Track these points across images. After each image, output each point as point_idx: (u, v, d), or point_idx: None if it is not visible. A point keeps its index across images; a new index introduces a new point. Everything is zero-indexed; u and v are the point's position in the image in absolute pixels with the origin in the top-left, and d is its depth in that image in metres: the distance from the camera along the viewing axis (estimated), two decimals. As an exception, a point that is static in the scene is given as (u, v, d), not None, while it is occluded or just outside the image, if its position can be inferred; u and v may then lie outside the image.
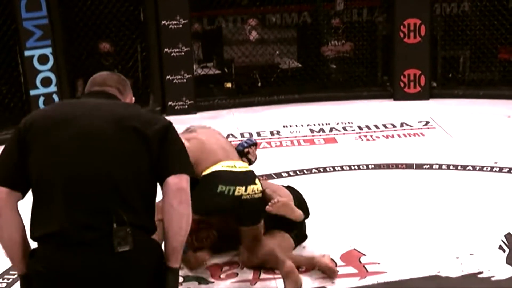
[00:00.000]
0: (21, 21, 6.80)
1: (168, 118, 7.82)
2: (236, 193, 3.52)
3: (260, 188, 3.61)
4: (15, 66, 7.09)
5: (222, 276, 3.82)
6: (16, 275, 3.88)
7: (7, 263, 3.97)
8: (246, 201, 3.55)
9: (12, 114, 7.04)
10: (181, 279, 3.75)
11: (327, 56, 8.75)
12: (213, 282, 3.75)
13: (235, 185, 3.52)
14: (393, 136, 6.64)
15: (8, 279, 3.95)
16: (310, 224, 4.42)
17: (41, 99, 6.98)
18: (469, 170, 5.48)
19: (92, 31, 7.72)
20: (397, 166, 5.65)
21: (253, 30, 8.72)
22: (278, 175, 5.52)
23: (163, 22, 7.64)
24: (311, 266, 3.78)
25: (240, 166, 3.67)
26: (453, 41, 8.32)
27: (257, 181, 3.64)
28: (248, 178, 3.62)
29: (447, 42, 8.34)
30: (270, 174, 5.51)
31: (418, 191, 5.06)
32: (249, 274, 3.81)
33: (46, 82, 7.03)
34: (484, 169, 5.47)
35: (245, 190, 3.54)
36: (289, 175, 5.53)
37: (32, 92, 6.97)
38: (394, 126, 6.98)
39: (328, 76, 8.72)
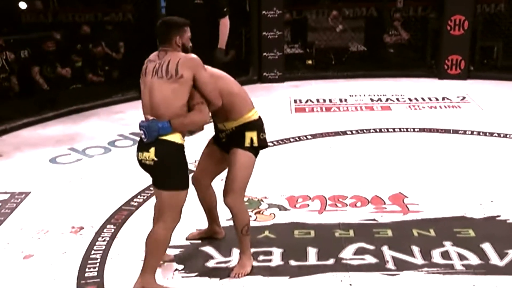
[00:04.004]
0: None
1: (262, 85, 7.74)
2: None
3: (151, 157, 2.73)
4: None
5: (297, 205, 3.86)
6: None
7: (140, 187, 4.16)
8: (144, 165, 2.81)
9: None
10: (266, 206, 3.84)
11: (387, 42, 8.56)
12: (290, 210, 3.78)
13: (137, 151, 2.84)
14: (435, 107, 6.44)
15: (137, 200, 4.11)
16: (369, 172, 4.40)
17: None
18: (495, 136, 5.28)
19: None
20: (437, 131, 5.50)
21: (337, 21, 8.63)
22: (344, 133, 5.48)
23: (263, 12, 7.61)
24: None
25: None
26: (489, 34, 8.01)
27: (151, 149, 2.73)
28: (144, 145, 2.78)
29: (484, 35, 8.03)
30: (338, 132, 5.48)
31: (453, 151, 4.92)
32: (317, 205, 3.84)
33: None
34: (508, 136, 5.26)
35: (141, 155, 2.79)
36: (352, 133, 5.48)
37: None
38: (437, 99, 6.76)
39: (387, 58, 8.54)
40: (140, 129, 2.74)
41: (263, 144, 2.99)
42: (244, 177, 2.94)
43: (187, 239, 3.41)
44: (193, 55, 2.83)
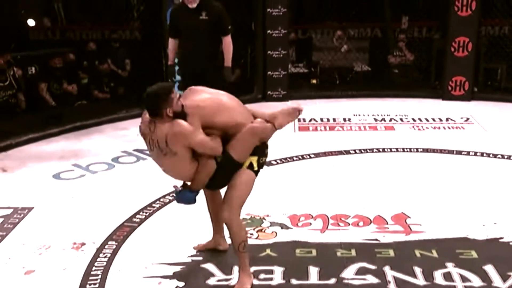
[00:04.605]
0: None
1: (267, 103, 7.75)
2: None
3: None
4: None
5: (299, 224, 3.84)
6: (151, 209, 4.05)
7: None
8: None
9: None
10: (268, 224, 3.82)
11: (392, 63, 8.59)
12: (292, 229, 3.77)
13: None
14: (439, 128, 6.44)
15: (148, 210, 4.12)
16: (371, 192, 4.39)
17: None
18: (498, 157, 5.27)
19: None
20: (440, 151, 5.49)
21: (342, 41, 8.68)
22: (347, 152, 5.48)
23: (268, 31, 7.67)
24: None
25: None
26: (493, 56, 8.04)
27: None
28: None
29: (488, 57, 8.06)
30: (341, 151, 5.47)
31: (456, 172, 4.91)
32: (319, 224, 3.82)
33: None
34: (511, 157, 5.24)
35: None
36: (355, 153, 5.48)
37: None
38: (441, 120, 6.76)
39: (391, 78, 8.57)
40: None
41: (261, 167, 3.01)
42: (242, 194, 2.94)
43: (194, 248, 3.44)
44: (180, 124, 2.75)
